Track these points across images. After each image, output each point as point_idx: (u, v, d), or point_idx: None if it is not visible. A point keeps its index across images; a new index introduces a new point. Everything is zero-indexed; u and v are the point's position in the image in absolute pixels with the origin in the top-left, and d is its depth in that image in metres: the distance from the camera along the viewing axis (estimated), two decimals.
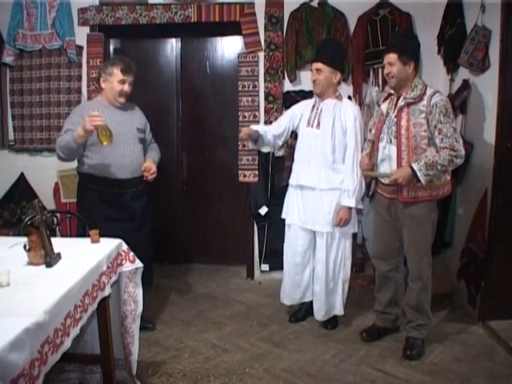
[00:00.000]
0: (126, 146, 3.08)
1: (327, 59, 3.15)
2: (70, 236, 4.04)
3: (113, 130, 2.91)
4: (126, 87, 3.08)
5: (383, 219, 3.09)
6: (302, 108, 3.37)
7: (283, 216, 3.47)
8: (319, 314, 3.33)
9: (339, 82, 3.28)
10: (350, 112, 3.18)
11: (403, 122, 2.83)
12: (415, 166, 2.72)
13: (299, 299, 3.44)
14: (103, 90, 3.13)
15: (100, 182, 3.05)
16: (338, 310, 3.34)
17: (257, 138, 3.34)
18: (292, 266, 3.39)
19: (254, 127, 3.38)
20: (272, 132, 3.39)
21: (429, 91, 2.82)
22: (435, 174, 2.74)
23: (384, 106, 3.02)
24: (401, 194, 2.88)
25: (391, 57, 2.84)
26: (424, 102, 2.79)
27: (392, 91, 2.98)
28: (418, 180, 2.73)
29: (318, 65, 3.17)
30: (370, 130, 3.13)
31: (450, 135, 2.72)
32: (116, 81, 3.05)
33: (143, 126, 3.28)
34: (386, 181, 2.95)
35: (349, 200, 3.14)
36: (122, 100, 3.11)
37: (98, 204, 3.06)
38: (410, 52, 2.87)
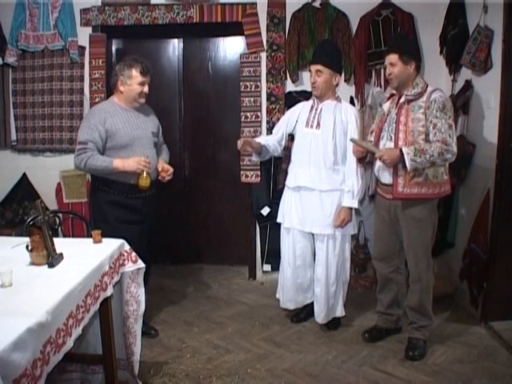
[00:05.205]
0: (143, 151, 3.04)
1: (327, 61, 3.13)
2: (73, 236, 4.04)
3: (130, 133, 3.00)
4: (146, 88, 3.06)
5: (383, 220, 3.09)
6: (299, 110, 3.35)
7: (279, 220, 3.43)
8: (319, 316, 3.30)
9: (337, 85, 3.26)
10: (350, 113, 3.18)
11: (402, 118, 2.84)
12: (404, 149, 2.72)
13: (302, 302, 3.42)
14: (121, 93, 3.07)
15: (114, 186, 3.02)
16: (339, 311, 3.32)
17: (260, 149, 3.29)
18: (294, 268, 3.34)
19: (256, 139, 3.32)
20: (274, 138, 3.37)
21: (429, 89, 2.85)
22: (422, 163, 2.72)
23: (386, 106, 3.04)
24: (395, 190, 2.86)
25: (392, 57, 2.86)
26: (424, 98, 2.81)
27: (394, 91, 3.00)
28: (404, 165, 2.72)
29: (318, 66, 3.14)
30: (372, 132, 3.11)
31: (444, 130, 2.73)
32: (136, 83, 3.02)
33: (157, 130, 3.26)
34: (385, 180, 2.95)
35: (352, 201, 3.12)
36: (143, 101, 3.10)
37: (110, 206, 3.03)
38: (411, 52, 2.91)
